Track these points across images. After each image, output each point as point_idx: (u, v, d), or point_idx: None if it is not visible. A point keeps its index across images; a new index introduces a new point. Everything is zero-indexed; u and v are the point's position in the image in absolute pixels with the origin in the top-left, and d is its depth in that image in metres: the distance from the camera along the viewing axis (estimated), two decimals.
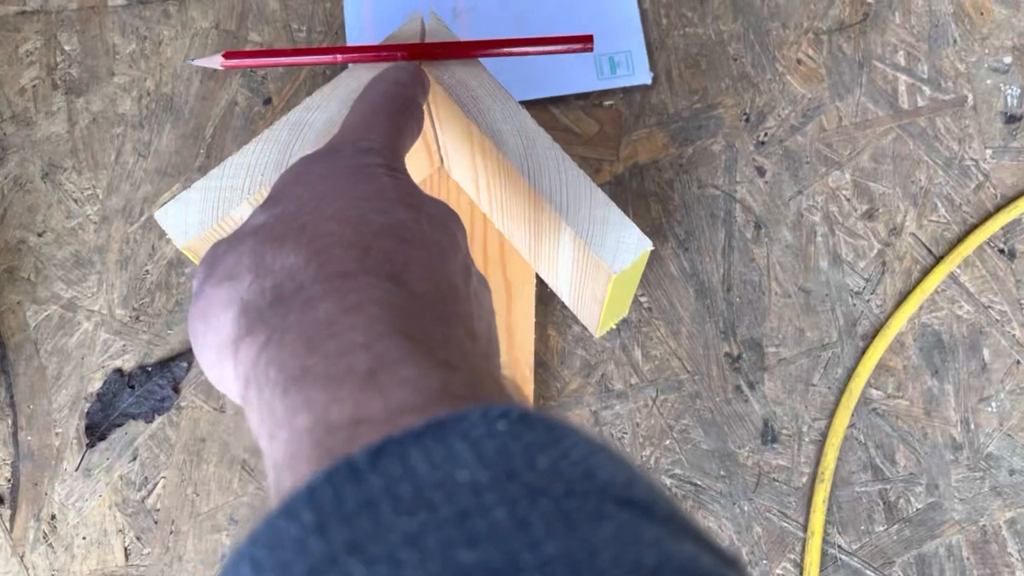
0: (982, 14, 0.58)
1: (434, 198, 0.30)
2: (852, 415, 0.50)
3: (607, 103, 0.56)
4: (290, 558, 0.17)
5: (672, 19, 0.58)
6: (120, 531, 0.50)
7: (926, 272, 0.53)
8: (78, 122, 0.57)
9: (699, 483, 0.50)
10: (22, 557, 0.49)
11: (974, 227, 0.53)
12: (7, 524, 0.50)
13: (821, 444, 0.50)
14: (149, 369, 0.52)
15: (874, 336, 0.52)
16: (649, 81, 0.56)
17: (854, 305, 0.52)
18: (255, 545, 0.18)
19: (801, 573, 0.48)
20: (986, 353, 0.51)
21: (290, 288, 0.25)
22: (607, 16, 0.57)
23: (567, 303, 0.51)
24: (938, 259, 0.53)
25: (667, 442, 0.50)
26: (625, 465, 0.20)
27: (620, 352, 0.52)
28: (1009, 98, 0.56)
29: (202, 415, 0.51)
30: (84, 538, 0.50)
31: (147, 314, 0.53)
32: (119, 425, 0.51)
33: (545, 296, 0.52)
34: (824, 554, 0.49)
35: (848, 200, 0.54)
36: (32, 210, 0.55)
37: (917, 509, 0.49)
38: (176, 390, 0.52)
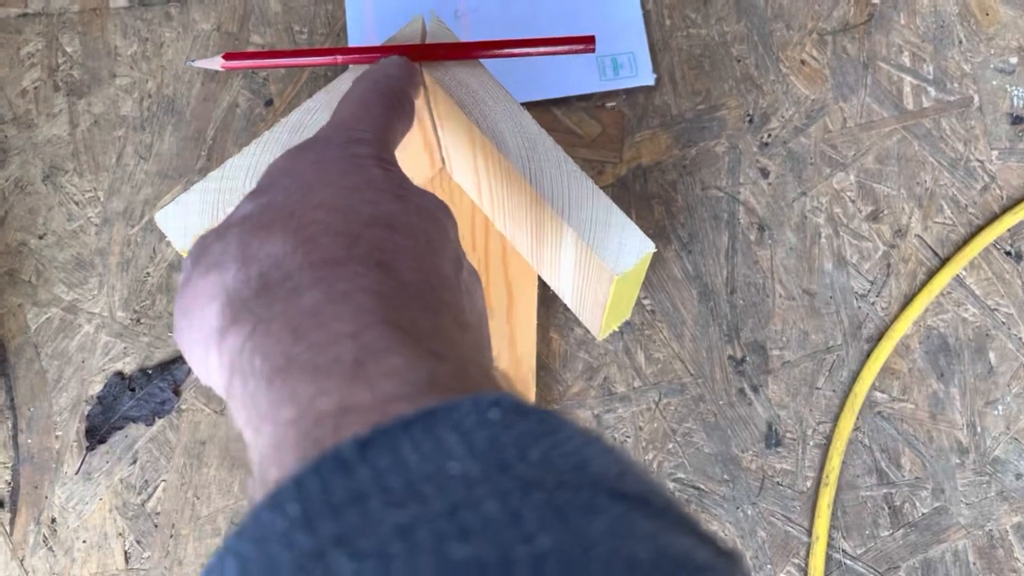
0: (988, 14, 0.57)
1: (424, 190, 0.30)
2: (857, 418, 0.50)
3: (610, 104, 0.56)
4: (276, 552, 0.17)
5: (675, 20, 0.58)
6: (120, 534, 0.49)
7: (931, 274, 0.52)
8: (79, 124, 0.57)
9: (702, 487, 0.49)
10: (22, 561, 0.49)
11: (980, 229, 0.53)
12: (7, 527, 0.50)
13: (825, 448, 0.50)
14: (150, 372, 0.52)
15: (879, 339, 0.51)
16: (652, 82, 0.56)
17: (859, 308, 0.52)
18: (240, 539, 0.18)
19: None
20: (992, 356, 0.51)
21: (276, 277, 0.25)
22: (610, 17, 0.57)
23: (569, 305, 0.51)
24: (944, 261, 0.53)
25: (670, 446, 0.50)
26: (618, 457, 0.20)
27: (623, 355, 0.51)
28: (1015, 99, 0.56)
29: (203, 418, 0.51)
30: (84, 541, 0.49)
31: (148, 317, 0.53)
32: (119, 428, 0.51)
33: (547, 298, 0.52)
34: (829, 559, 0.48)
35: (852, 202, 0.54)
36: (33, 212, 0.55)
37: (923, 514, 0.49)
38: (177, 393, 0.51)
